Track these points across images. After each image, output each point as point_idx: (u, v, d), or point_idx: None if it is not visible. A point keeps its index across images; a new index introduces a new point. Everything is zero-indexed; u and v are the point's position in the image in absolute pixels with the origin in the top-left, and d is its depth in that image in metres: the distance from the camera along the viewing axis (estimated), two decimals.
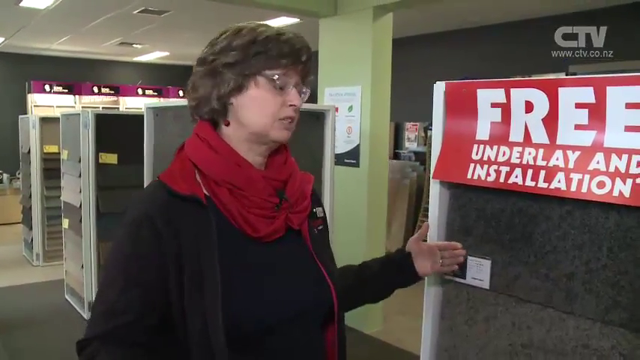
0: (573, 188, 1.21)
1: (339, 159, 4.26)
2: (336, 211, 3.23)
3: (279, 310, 1.08)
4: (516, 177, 1.32)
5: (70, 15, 6.81)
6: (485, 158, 1.40)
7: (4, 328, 4.33)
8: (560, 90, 1.25)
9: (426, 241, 1.50)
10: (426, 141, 6.89)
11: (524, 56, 6.44)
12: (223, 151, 1.08)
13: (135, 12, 6.57)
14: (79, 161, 4.39)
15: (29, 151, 6.07)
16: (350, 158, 4.45)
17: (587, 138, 1.22)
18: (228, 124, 1.09)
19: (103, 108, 9.55)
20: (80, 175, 4.40)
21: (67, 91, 10.18)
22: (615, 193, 1.15)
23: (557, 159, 1.26)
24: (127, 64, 11.48)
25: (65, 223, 4.86)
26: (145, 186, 3.15)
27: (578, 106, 1.22)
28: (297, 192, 1.15)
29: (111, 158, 4.39)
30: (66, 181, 4.85)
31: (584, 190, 1.20)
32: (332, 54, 4.59)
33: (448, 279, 1.52)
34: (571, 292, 1.26)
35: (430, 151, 1.63)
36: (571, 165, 1.23)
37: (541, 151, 1.29)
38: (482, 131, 1.42)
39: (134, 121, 3.81)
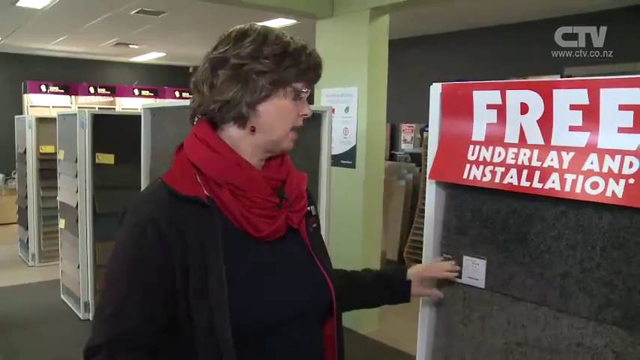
0: (567, 189, 1.23)
1: (336, 160, 4.27)
2: (332, 212, 3.24)
3: (282, 308, 1.09)
4: (511, 177, 1.34)
5: (66, 15, 6.81)
6: (480, 159, 1.41)
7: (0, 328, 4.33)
8: (555, 92, 1.27)
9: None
10: (422, 142, 6.91)
11: (520, 58, 6.47)
12: (223, 152, 1.09)
13: (131, 12, 6.58)
14: (76, 161, 4.40)
15: (25, 152, 6.06)
16: (346, 159, 4.46)
17: (581, 139, 1.23)
18: (243, 128, 1.10)
19: (99, 108, 9.53)
20: (77, 176, 4.41)
21: (63, 91, 10.16)
22: (608, 194, 1.17)
23: (552, 160, 1.27)
24: (123, 65, 11.47)
25: (61, 223, 4.87)
26: (142, 186, 3.17)
27: (573, 107, 1.24)
28: (296, 191, 1.17)
29: (107, 159, 4.40)
30: (62, 182, 4.85)
31: (578, 190, 1.21)
32: (329, 55, 4.57)
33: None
34: (565, 291, 1.27)
35: (426, 153, 1.64)
36: (565, 166, 1.25)
37: (536, 152, 1.31)
38: (478, 132, 1.44)
39: (131, 121, 3.82)
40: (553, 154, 1.27)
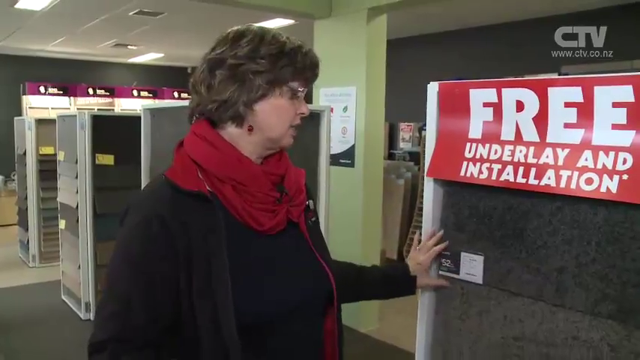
0: (563, 185, 1.25)
1: (334, 159, 4.29)
2: (331, 211, 3.26)
3: (284, 301, 1.11)
4: (508, 174, 1.36)
5: (65, 16, 6.82)
6: (477, 156, 1.43)
7: (0, 329, 4.34)
8: (550, 90, 1.29)
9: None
10: (421, 141, 6.93)
11: (518, 57, 6.49)
12: (223, 148, 1.11)
13: (130, 13, 6.59)
14: (76, 162, 4.42)
15: (25, 153, 6.08)
16: (345, 158, 4.48)
17: (575, 136, 1.25)
18: (242, 127, 1.12)
19: (98, 109, 9.57)
20: (77, 177, 4.43)
21: (62, 92, 10.18)
22: (603, 190, 1.18)
23: (547, 156, 1.29)
24: (121, 66, 11.48)
25: (62, 223, 4.88)
26: (142, 186, 3.18)
27: (567, 105, 1.26)
28: (294, 186, 1.20)
29: (107, 159, 4.42)
30: (62, 182, 4.87)
31: (573, 186, 1.23)
32: (327, 55, 4.59)
33: (442, 275, 1.55)
34: (561, 285, 1.29)
35: (424, 151, 1.66)
36: (560, 162, 1.26)
37: (532, 149, 1.32)
38: (475, 130, 1.45)
39: (130, 122, 3.84)
40: (548, 150, 1.29)
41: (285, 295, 1.12)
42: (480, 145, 1.44)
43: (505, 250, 1.40)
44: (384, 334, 4.39)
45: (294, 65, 1.10)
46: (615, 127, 1.19)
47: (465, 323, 1.50)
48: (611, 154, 1.19)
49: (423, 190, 1.61)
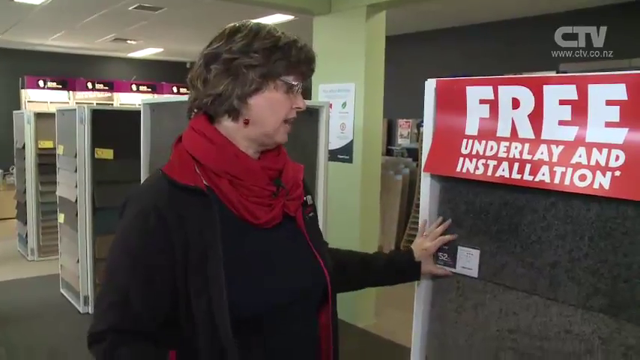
0: (557, 181, 1.27)
1: (333, 155, 4.31)
2: (329, 206, 3.28)
3: (279, 293, 1.13)
4: (503, 170, 1.38)
5: (64, 11, 6.82)
6: (474, 152, 1.45)
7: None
8: (545, 87, 1.31)
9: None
10: (419, 137, 6.95)
11: (516, 55, 6.51)
12: (220, 142, 1.13)
13: (130, 8, 6.59)
14: (75, 156, 4.43)
15: (24, 147, 6.09)
16: (343, 154, 4.50)
17: (570, 133, 1.27)
18: (237, 121, 1.13)
19: (97, 104, 9.56)
20: (76, 170, 4.44)
21: (60, 86, 10.18)
22: (596, 186, 1.20)
23: (542, 153, 1.31)
24: (121, 60, 11.47)
25: (61, 217, 4.90)
26: (141, 180, 3.20)
27: (562, 102, 1.28)
28: (292, 180, 1.21)
29: (107, 153, 4.43)
30: (62, 176, 4.88)
31: (567, 182, 1.25)
32: (326, 51, 4.63)
33: (439, 268, 1.58)
34: (555, 279, 1.31)
35: (422, 147, 1.68)
36: (555, 159, 1.28)
37: (527, 145, 1.34)
38: (471, 126, 1.47)
39: (130, 116, 3.86)
40: (543, 147, 1.31)
41: (279, 288, 1.13)
42: (476, 141, 1.46)
43: (500, 245, 1.43)
44: (380, 329, 4.42)
45: (288, 59, 1.11)
46: (608, 124, 1.21)
47: (461, 316, 1.52)
48: (604, 151, 1.21)
49: (421, 187, 1.63)
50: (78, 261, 4.53)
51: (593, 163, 1.22)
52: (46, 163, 5.76)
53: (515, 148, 1.37)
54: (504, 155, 1.39)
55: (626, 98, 1.17)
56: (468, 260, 1.50)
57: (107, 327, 1.06)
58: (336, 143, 4.47)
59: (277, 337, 1.14)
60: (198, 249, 1.06)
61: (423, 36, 7.84)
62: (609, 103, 1.20)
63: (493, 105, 1.42)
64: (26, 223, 6.14)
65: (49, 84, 10.01)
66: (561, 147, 1.28)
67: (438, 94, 1.56)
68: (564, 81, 1.28)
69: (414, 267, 1.53)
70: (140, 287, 1.06)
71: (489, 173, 1.41)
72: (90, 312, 4.50)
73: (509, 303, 1.41)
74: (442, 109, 1.56)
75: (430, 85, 1.58)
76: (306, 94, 1.23)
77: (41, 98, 9.94)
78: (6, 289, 5.18)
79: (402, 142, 8.03)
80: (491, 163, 1.41)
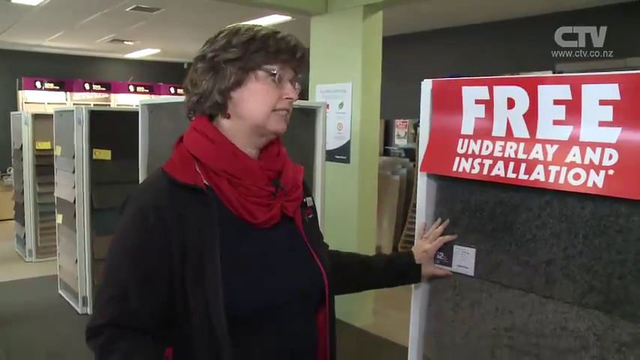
0: (551, 180, 1.29)
1: (330, 155, 4.32)
2: (327, 207, 3.29)
3: (275, 293, 1.14)
4: (499, 169, 1.39)
5: (62, 12, 6.82)
6: (469, 152, 1.47)
7: None
8: (540, 87, 1.32)
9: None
10: (416, 137, 6.96)
11: (513, 55, 6.52)
12: (220, 142, 1.14)
13: (127, 9, 6.59)
14: (73, 157, 4.43)
15: (21, 148, 6.09)
16: (340, 154, 4.51)
17: (564, 133, 1.29)
18: (228, 117, 1.15)
19: (94, 105, 9.56)
20: (74, 171, 4.44)
21: (58, 87, 10.17)
22: (590, 184, 1.22)
23: (537, 152, 1.33)
24: (118, 61, 11.46)
25: (59, 218, 4.90)
26: (139, 181, 3.21)
27: (556, 102, 1.30)
28: (291, 181, 1.22)
29: (105, 154, 4.44)
30: (59, 177, 4.88)
31: (561, 181, 1.27)
32: (323, 51, 4.65)
33: (440, 269, 1.59)
34: (550, 277, 1.33)
35: (419, 147, 1.70)
36: (549, 158, 1.30)
37: (522, 145, 1.36)
38: (467, 126, 1.49)
39: (127, 117, 3.85)
40: (538, 146, 1.33)
41: (276, 288, 1.14)
42: (471, 140, 1.47)
43: (496, 243, 1.44)
44: (379, 329, 4.43)
45: (265, 49, 1.12)
46: (602, 124, 1.23)
47: (458, 314, 1.54)
48: (598, 150, 1.22)
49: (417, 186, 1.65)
50: (76, 262, 4.53)
51: (587, 162, 1.24)
52: (44, 164, 5.76)
53: (511, 147, 1.38)
54: (500, 154, 1.40)
55: (619, 98, 1.19)
56: (464, 259, 1.51)
57: (105, 321, 1.07)
58: (333, 144, 4.48)
59: (274, 337, 1.15)
60: (197, 248, 1.07)
61: (420, 36, 7.85)
62: (603, 102, 1.22)
63: (488, 105, 1.44)
64: (24, 224, 6.14)
65: (47, 85, 10.00)
66: (556, 146, 1.30)
67: (434, 94, 1.58)
68: (558, 81, 1.29)
69: (415, 269, 1.54)
70: (138, 285, 1.07)
71: (485, 172, 1.42)
72: (89, 312, 4.50)
73: (505, 301, 1.43)
74: (438, 109, 1.57)
75: (426, 85, 1.59)
76: (303, 94, 1.24)
77: (38, 99, 9.93)
78: (4, 291, 5.18)
79: (399, 142, 8.04)
80: (487, 162, 1.42)
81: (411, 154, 7.00)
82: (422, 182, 1.62)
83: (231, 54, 1.12)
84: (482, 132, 1.45)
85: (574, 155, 1.26)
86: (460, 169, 1.48)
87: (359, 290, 1.57)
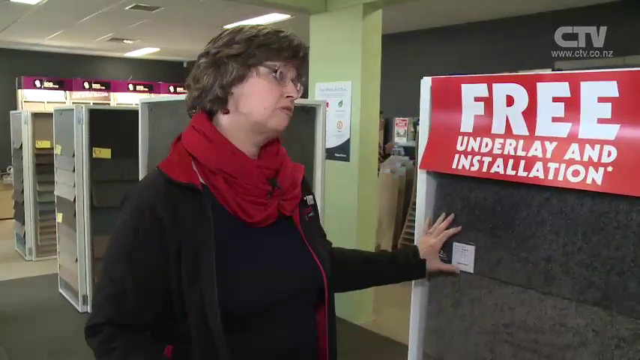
0: (551, 177, 1.29)
1: (330, 153, 4.32)
2: (326, 205, 3.30)
3: (271, 292, 1.14)
4: (498, 167, 1.40)
5: (61, 10, 6.82)
6: (469, 149, 1.47)
7: None
8: (539, 85, 1.33)
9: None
10: (415, 136, 6.96)
11: (513, 53, 6.52)
12: (218, 141, 1.14)
13: (127, 8, 6.60)
14: (73, 156, 4.44)
15: (21, 147, 6.09)
16: (340, 153, 4.51)
17: (563, 130, 1.29)
18: (227, 113, 1.15)
19: (93, 104, 9.56)
20: (74, 170, 4.45)
21: (57, 86, 10.18)
22: (589, 181, 1.22)
23: (536, 149, 1.33)
24: (117, 60, 11.47)
25: (59, 217, 4.90)
26: (139, 179, 3.21)
27: (555, 100, 1.30)
28: (289, 180, 1.22)
29: (105, 153, 4.44)
30: (60, 176, 4.89)
31: (560, 178, 1.27)
32: (323, 50, 4.65)
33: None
34: (549, 274, 1.33)
35: (419, 145, 1.70)
36: (549, 155, 1.30)
37: (521, 142, 1.36)
38: (467, 124, 1.49)
39: (127, 116, 3.87)
40: (537, 144, 1.33)
41: (273, 287, 1.14)
42: (471, 138, 1.48)
43: (496, 240, 1.45)
44: (378, 327, 4.44)
45: (268, 46, 1.13)
46: (601, 121, 1.23)
47: (458, 311, 1.54)
48: (597, 147, 1.23)
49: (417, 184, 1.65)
50: (76, 260, 4.54)
51: (586, 159, 1.24)
52: (44, 163, 5.77)
53: (510, 144, 1.39)
54: (499, 152, 1.41)
55: (618, 95, 1.19)
56: (464, 256, 1.52)
57: (104, 320, 1.08)
58: (332, 142, 4.49)
59: (272, 336, 1.15)
60: (192, 247, 1.07)
61: (420, 34, 7.85)
62: (601, 100, 1.22)
63: (488, 102, 1.44)
64: (24, 223, 6.15)
65: (46, 84, 10.01)
66: (555, 143, 1.30)
67: (433, 92, 1.58)
68: (557, 78, 1.30)
69: (420, 264, 1.52)
70: (135, 283, 1.08)
71: (484, 170, 1.43)
72: (89, 311, 4.50)
73: (505, 297, 1.43)
74: (438, 107, 1.58)
75: (426, 83, 1.60)
76: (303, 92, 1.24)
77: (38, 98, 9.94)
78: (4, 289, 5.19)
79: (399, 140, 8.05)
80: (486, 159, 1.43)
81: (410, 152, 7.00)
82: (422, 180, 1.62)
83: (234, 50, 1.12)
84: (482, 129, 1.46)
85: (573, 152, 1.27)
86: (460, 167, 1.48)
87: (364, 286, 1.57)
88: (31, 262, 6.08)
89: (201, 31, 7.41)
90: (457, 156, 1.49)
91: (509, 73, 1.44)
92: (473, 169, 1.45)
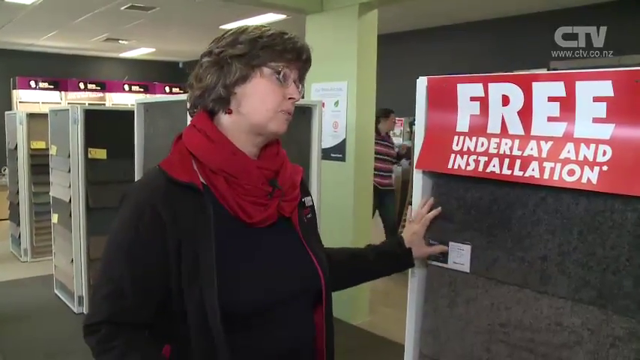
0: (546, 176, 1.29)
1: (326, 153, 4.32)
2: (322, 205, 3.30)
3: (272, 292, 1.14)
4: (494, 166, 1.40)
5: (56, 10, 6.80)
6: (465, 149, 1.47)
7: None
8: (534, 84, 1.33)
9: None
10: (411, 136, 6.97)
11: (508, 53, 6.54)
12: (219, 140, 1.14)
13: (122, 8, 6.58)
14: (69, 156, 4.42)
15: (16, 147, 6.07)
16: (336, 153, 4.51)
17: (558, 129, 1.29)
18: (230, 112, 1.15)
19: (89, 104, 9.54)
20: (69, 171, 4.44)
21: (52, 87, 10.16)
22: (584, 180, 1.23)
23: (532, 149, 1.33)
24: (113, 60, 11.45)
25: (55, 217, 4.89)
26: (135, 180, 3.21)
27: (551, 99, 1.30)
28: (288, 181, 1.22)
29: (100, 153, 4.43)
30: (55, 177, 4.87)
31: (556, 177, 1.27)
32: (318, 50, 4.55)
33: (431, 264, 1.60)
34: (545, 273, 1.33)
35: (414, 145, 1.70)
36: (544, 154, 1.31)
37: (517, 141, 1.37)
38: (462, 123, 1.50)
39: (123, 116, 3.87)
40: (533, 143, 1.34)
41: (271, 287, 1.14)
42: (467, 138, 1.48)
43: (492, 240, 1.45)
44: (375, 327, 4.44)
45: (272, 47, 1.13)
46: (596, 120, 1.23)
47: (454, 311, 1.54)
48: (592, 146, 1.23)
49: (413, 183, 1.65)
50: (72, 261, 4.53)
51: (581, 158, 1.25)
52: (39, 164, 5.75)
53: (506, 144, 1.39)
54: (495, 151, 1.41)
55: (613, 95, 1.20)
56: (460, 255, 1.52)
57: (102, 318, 1.07)
58: (328, 142, 4.49)
59: (271, 336, 1.15)
60: (192, 246, 1.07)
61: (416, 34, 7.86)
62: (596, 99, 1.22)
63: (483, 102, 1.44)
64: (19, 223, 6.13)
65: (41, 84, 9.99)
66: (550, 143, 1.31)
67: (429, 91, 1.58)
68: (552, 78, 1.30)
69: (406, 253, 1.53)
70: (133, 282, 1.08)
71: (480, 169, 1.43)
72: (85, 312, 4.50)
73: (501, 297, 1.43)
74: (434, 107, 1.58)
75: (422, 83, 1.60)
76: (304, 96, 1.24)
77: (33, 99, 9.91)
78: (0, 290, 5.16)
79: (395, 140, 8.05)
80: (482, 159, 1.43)
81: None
82: (417, 179, 1.62)
83: (238, 50, 1.12)
84: (478, 129, 1.46)
85: (568, 151, 1.27)
86: (455, 166, 1.49)
87: (353, 284, 1.55)
88: (26, 263, 6.06)
89: (197, 31, 7.41)
90: (453, 156, 1.50)
91: (505, 73, 1.44)
92: (469, 168, 1.45)
